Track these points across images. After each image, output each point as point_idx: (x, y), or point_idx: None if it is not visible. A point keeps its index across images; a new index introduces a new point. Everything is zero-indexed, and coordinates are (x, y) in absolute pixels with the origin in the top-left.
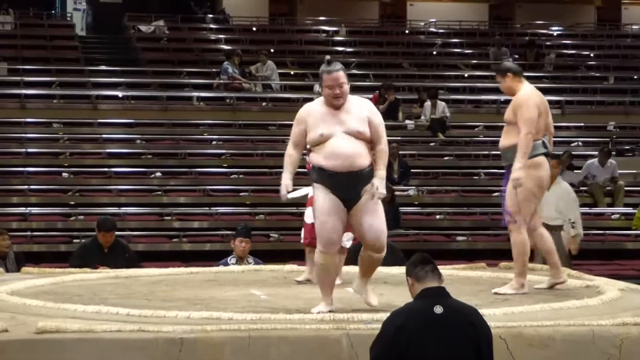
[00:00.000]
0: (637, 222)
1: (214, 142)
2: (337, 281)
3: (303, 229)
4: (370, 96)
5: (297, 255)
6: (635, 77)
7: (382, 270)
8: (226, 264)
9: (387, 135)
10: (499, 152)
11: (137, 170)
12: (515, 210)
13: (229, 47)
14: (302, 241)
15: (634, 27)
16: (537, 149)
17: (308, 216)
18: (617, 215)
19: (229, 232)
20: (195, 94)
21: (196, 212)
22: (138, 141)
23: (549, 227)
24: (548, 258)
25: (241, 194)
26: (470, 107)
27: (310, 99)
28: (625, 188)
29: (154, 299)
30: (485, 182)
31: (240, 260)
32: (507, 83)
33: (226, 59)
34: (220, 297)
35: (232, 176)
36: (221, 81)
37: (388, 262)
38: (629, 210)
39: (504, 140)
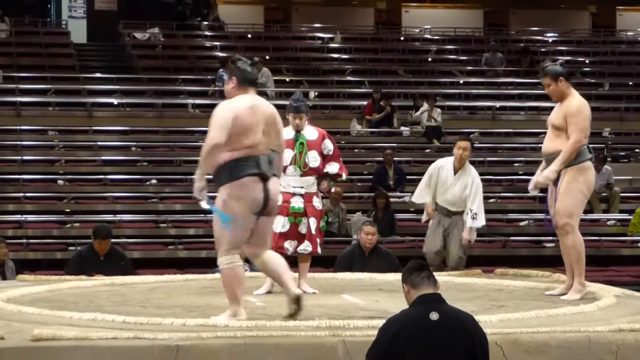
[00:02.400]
0: (632, 228)
1: None
2: (312, 290)
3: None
4: (365, 103)
5: (293, 262)
6: (630, 83)
7: (377, 276)
8: None
9: (383, 142)
10: (494, 159)
11: (132, 177)
12: (569, 214)
13: (224, 54)
14: None
15: (628, 33)
16: (585, 154)
17: (276, 225)
18: (613, 222)
19: None
20: (190, 101)
21: (192, 219)
22: (133, 148)
23: (449, 213)
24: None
25: None
26: (466, 113)
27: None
28: (621, 194)
29: (149, 306)
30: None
31: None
32: (558, 87)
33: (221, 66)
34: (216, 304)
35: None
36: (216, 88)
37: (383, 268)
38: (625, 216)
39: (553, 146)
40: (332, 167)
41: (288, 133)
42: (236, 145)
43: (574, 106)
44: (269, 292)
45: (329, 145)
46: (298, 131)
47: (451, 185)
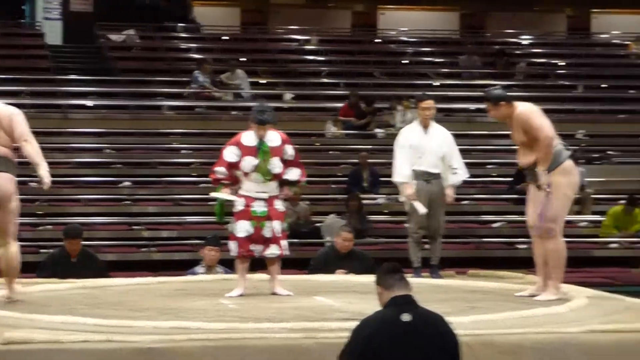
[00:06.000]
0: (604, 229)
1: (184, 152)
2: (286, 292)
3: (236, 242)
4: (341, 105)
5: (261, 265)
6: (604, 85)
7: (351, 278)
8: (194, 273)
9: (358, 144)
10: (468, 161)
11: (106, 179)
12: (554, 218)
13: (200, 56)
14: (234, 254)
15: (603, 35)
16: (563, 154)
17: (241, 230)
18: (586, 223)
19: (199, 241)
20: (165, 102)
21: (165, 221)
22: (108, 150)
23: (429, 178)
24: (545, 272)
25: (210, 203)
26: (441, 115)
27: (281, 108)
28: (594, 196)
29: (122, 308)
30: (456, 190)
31: (209, 269)
32: (501, 111)
33: (197, 67)
34: (189, 306)
35: (202, 185)
36: (192, 90)
37: (357, 270)
38: (597, 217)
39: (527, 158)
40: (292, 174)
41: (251, 140)
42: None
43: (522, 114)
44: (241, 295)
45: (289, 151)
46: (261, 138)
47: (428, 145)
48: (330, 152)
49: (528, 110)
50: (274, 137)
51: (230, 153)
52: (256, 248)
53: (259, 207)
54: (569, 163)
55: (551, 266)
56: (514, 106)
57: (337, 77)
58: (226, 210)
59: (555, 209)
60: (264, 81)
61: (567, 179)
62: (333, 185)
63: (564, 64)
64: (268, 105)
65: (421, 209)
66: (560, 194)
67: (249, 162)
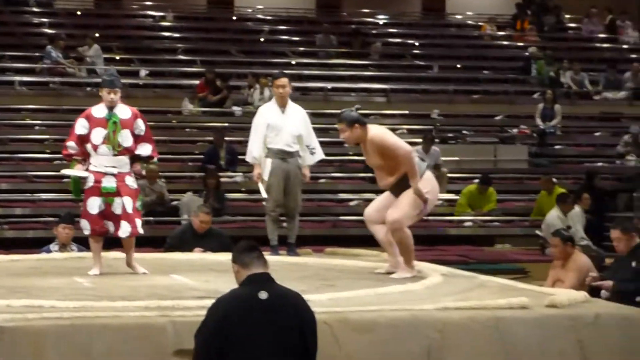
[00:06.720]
0: (459, 208)
1: (36, 128)
2: (142, 270)
3: (87, 220)
4: (197, 82)
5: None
6: (458, 66)
7: (208, 257)
8: (48, 251)
9: (215, 122)
10: (325, 140)
11: None
12: (405, 215)
13: (52, 31)
14: (87, 232)
15: (457, 16)
16: (421, 167)
17: (92, 207)
18: (440, 202)
19: (52, 219)
20: (17, 78)
21: (18, 198)
22: None
23: (285, 157)
24: (394, 250)
25: (64, 180)
26: (298, 94)
27: (137, 85)
28: (448, 175)
29: None
30: (313, 169)
31: (63, 247)
32: (353, 134)
33: (50, 43)
34: (42, 285)
35: (55, 162)
36: (44, 65)
37: (215, 248)
38: (452, 196)
39: (389, 179)
40: (144, 149)
41: (100, 111)
42: None
43: (375, 138)
44: (98, 274)
45: (140, 125)
46: (111, 109)
47: (284, 124)
48: (187, 130)
49: (380, 133)
50: (124, 110)
51: (79, 126)
52: (109, 225)
53: (108, 183)
54: (427, 174)
55: (401, 252)
56: (366, 130)
57: (193, 55)
58: (82, 187)
59: (410, 208)
60: (118, 57)
61: (427, 188)
62: (190, 163)
63: (418, 44)
64: (116, 72)
65: (263, 193)
66: (418, 202)
67: (99, 133)
